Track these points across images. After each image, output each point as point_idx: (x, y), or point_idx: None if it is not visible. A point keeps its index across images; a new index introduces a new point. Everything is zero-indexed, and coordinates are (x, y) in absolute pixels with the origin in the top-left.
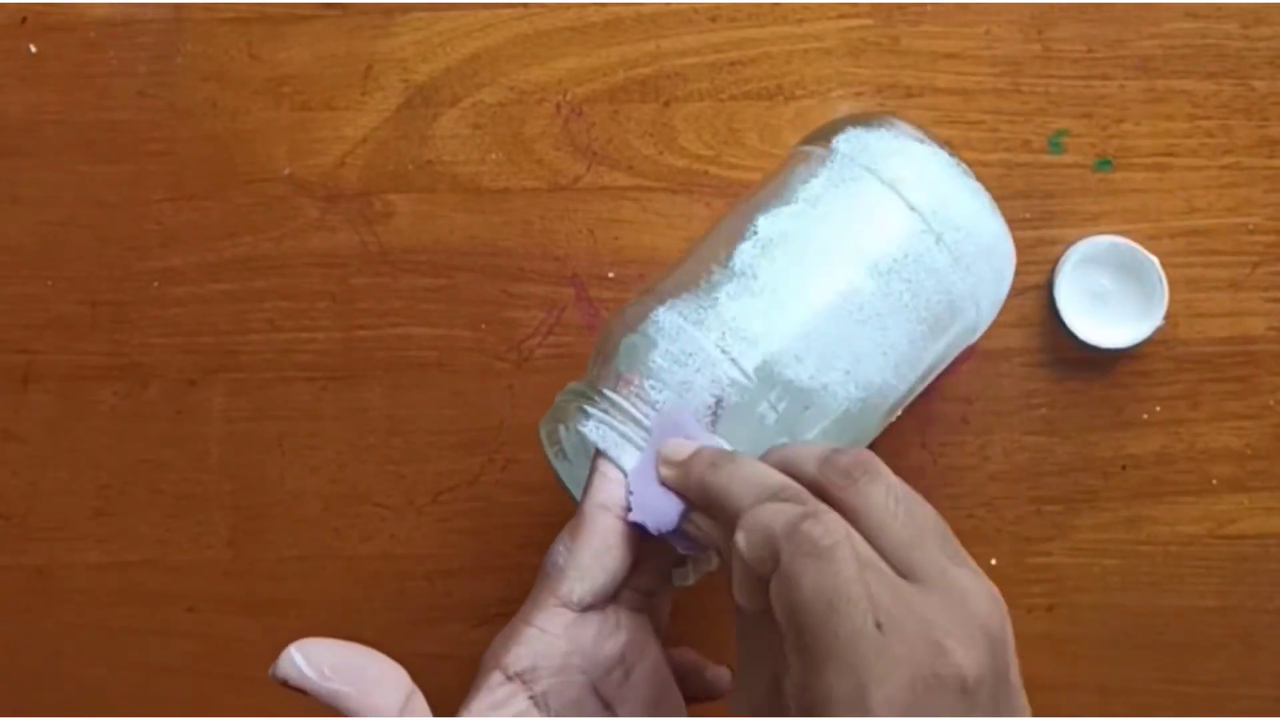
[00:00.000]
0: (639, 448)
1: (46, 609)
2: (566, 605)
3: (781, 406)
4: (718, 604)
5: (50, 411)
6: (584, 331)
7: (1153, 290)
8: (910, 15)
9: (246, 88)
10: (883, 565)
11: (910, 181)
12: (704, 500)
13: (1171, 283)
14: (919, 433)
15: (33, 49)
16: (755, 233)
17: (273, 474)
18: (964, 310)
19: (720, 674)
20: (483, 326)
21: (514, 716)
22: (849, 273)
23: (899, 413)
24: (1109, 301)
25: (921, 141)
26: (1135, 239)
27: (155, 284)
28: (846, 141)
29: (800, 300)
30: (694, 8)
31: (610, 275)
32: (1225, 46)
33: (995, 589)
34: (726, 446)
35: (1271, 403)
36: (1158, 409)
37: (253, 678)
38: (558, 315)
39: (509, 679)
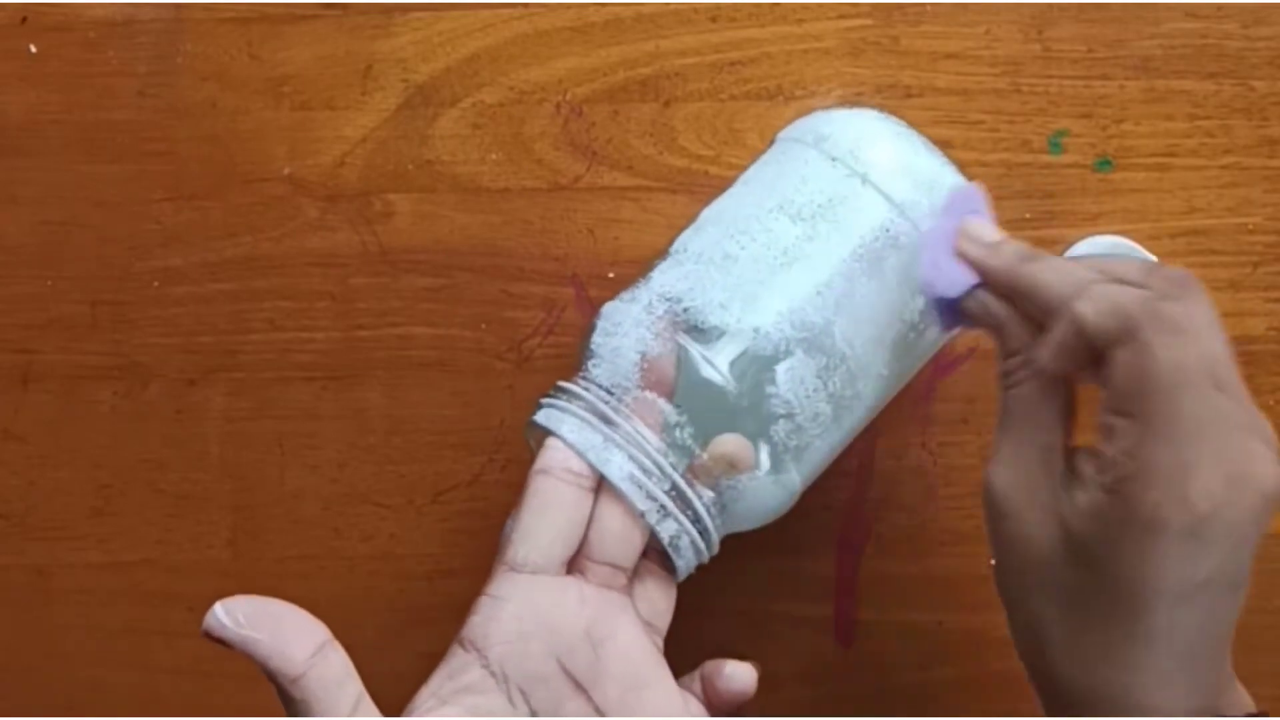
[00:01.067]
0: (579, 418)
1: (46, 609)
2: (514, 569)
3: (710, 353)
4: (715, 605)
5: (50, 411)
6: (584, 332)
7: None
8: (910, 15)
9: (246, 88)
10: (1233, 382)
11: (833, 137)
12: (1010, 286)
13: None
14: (919, 433)
15: (33, 49)
16: (693, 220)
17: (273, 474)
18: (905, 242)
19: (740, 669)
20: (483, 326)
21: (466, 685)
22: (771, 223)
23: (902, 371)
24: None
25: (853, 108)
26: (1135, 239)
27: (155, 284)
28: (787, 128)
29: (723, 257)
30: (694, 8)
31: (610, 275)
32: (1225, 46)
33: None
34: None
35: (1271, 403)
36: None
37: (253, 677)
38: (558, 315)
39: (465, 649)
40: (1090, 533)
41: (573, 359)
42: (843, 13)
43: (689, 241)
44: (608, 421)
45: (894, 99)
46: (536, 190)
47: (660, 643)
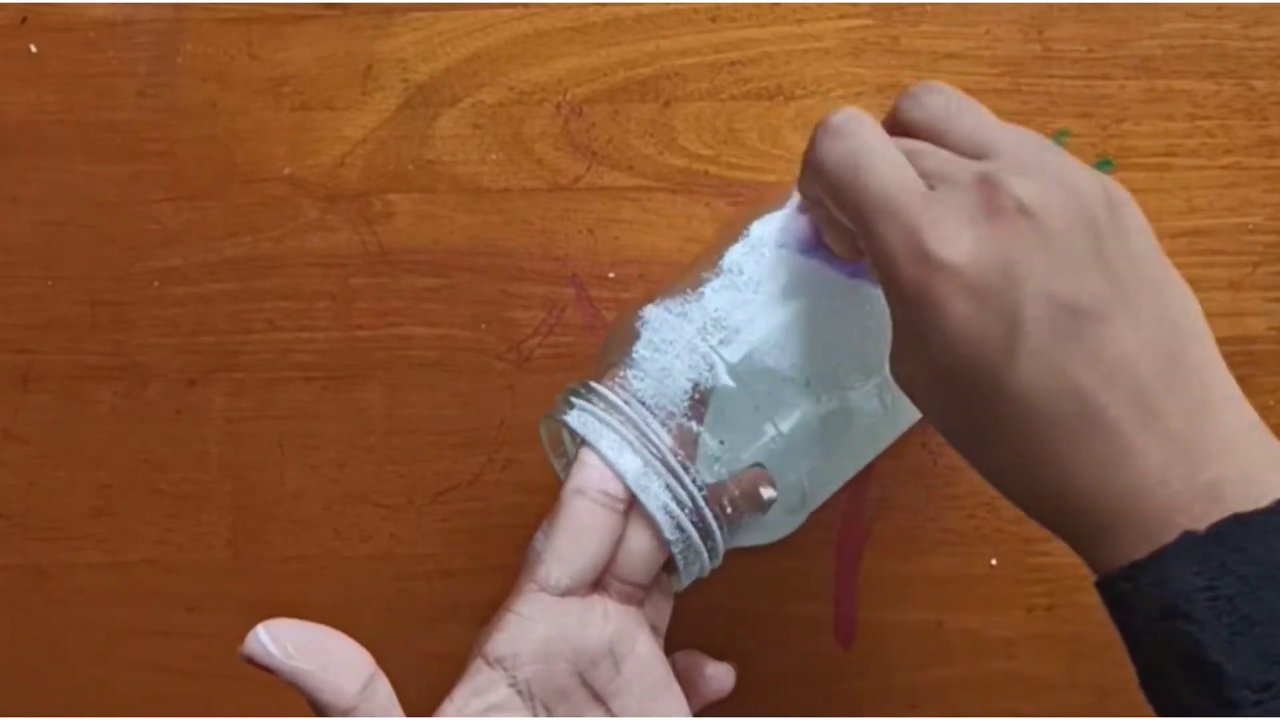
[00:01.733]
0: (619, 434)
1: (46, 609)
2: (545, 589)
3: (762, 395)
4: (715, 605)
5: (50, 411)
6: (584, 331)
7: None
8: (910, 15)
9: (246, 88)
10: (945, 153)
11: None
12: (821, 187)
13: None
14: (919, 432)
15: (33, 49)
16: (747, 235)
17: (273, 474)
18: None
19: (721, 670)
20: (482, 326)
21: (493, 704)
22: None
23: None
24: None
25: None
26: None
27: (155, 284)
28: None
29: (785, 293)
30: (694, 8)
31: (610, 275)
32: (1225, 46)
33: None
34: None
35: (1271, 403)
36: None
37: (253, 678)
38: (558, 315)
39: (490, 666)
40: (919, 354)
41: (573, 359)
42: (843, 12)
43: (744, 262)
44: (648, 444)
45: (894, 98)
46: (536, 190)
47: (662, 643)
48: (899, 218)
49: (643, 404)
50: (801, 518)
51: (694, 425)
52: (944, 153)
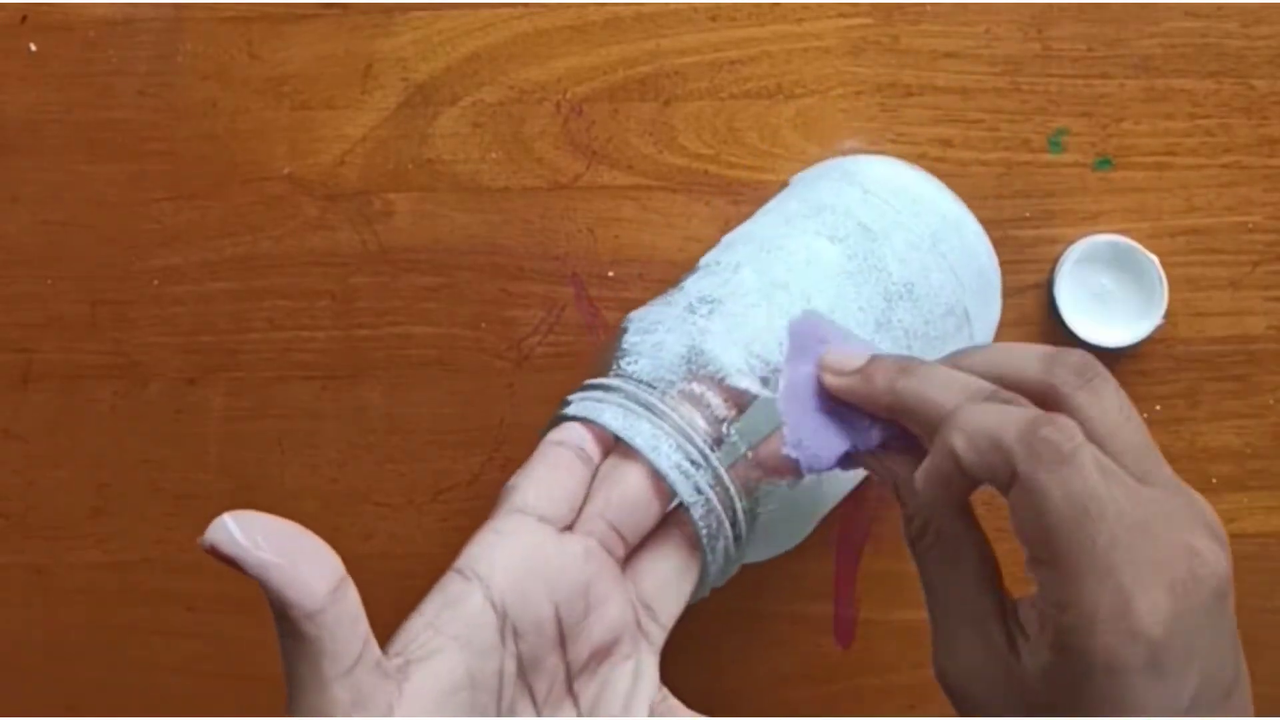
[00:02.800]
0: (622, 407)
1: (46, 608)
2: (522, 511)
3: (758, 364)
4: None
5: (50, 410)
6: (584, 330)
7: (1152, 289)
8: (910, 14)
9: (246, 87)
10: (1118, 469)
11: (862, 173)
12: (896, 410)
13: (1171, 282)
14: None
15: (33, 48)
16: (720, 242)
17: (272, 473)
18: (936, 276)
19: None
20: (482, 325)
21: (465, 616)
22: (809, 241)
23: None
24: (1109, 300)
25: (878, 156)
26: (1135, 238)
27: (155, 283)
28: (805, 170)
29: (764, 264)
30: (694, 7)
31: (610, 274)
32: (1225, 46)
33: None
34: (865, 343)
35: (1271, 402)
36: (1157, 408)
37: (253, 677)
38: (557, 314)
39: (465, 577)
40: (1053, 696)
41: (573, 358)
42: (842, 12)
43: (720, 257)
44: (653, 410)
45: (894, 98)
46: (536, 189)
47: (656, 631)
48: (1112, 580)
49: (639, 380)
50: (821, 507)
51: (694, 387)
52: (1127, 480)
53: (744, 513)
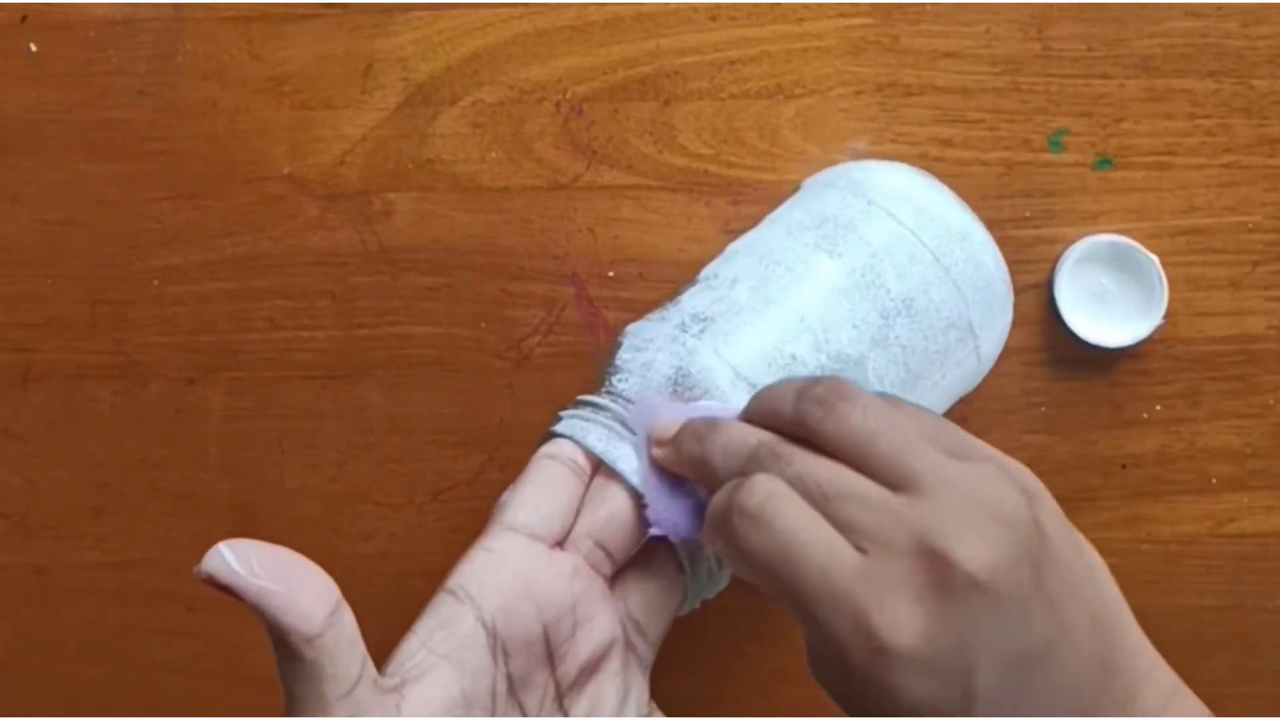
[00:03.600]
0: (606, 428)
1: (46, 608)
2: (513, 530)
3: (745, 377)
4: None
5: (50, 410)
6: (584, 330)
7: (1152, 289)
8: (910, 14)
9: (246, 86)
10: (866, 488)
11: (868, 183)
12: (698, 477)
13: (1171, 281)
14: None
15: (33, 48)
16: (721, 252)
17: (272, 473)
18: (936, 290)
19: None
20: (482, 325)
21: (458, 636)
22: (807, 255)
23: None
24: (1109, 300)
25: (882, 161)
26: (1135, 238)
27: (155, 283)
28: (815, 175)
29: (761, 280)
30: (694, 7)
31: (610, 274)
32: (1225, 45)
33: (1016, 464)
34: (710, 409)
35: (1271, 401)
36: (1157, 408)
37: (253, 677)
38: (557, 314)
39: (457, 599)
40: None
41: (572, 358)
42: (842, 11)
43: (719, 270)
44: (636, 432)
45: (894, 98)
46: (536, 189)
47: (645, 648)
48: (844, 605)
49: (628, 400)
50: None
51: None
52: (866, 492)
53: None
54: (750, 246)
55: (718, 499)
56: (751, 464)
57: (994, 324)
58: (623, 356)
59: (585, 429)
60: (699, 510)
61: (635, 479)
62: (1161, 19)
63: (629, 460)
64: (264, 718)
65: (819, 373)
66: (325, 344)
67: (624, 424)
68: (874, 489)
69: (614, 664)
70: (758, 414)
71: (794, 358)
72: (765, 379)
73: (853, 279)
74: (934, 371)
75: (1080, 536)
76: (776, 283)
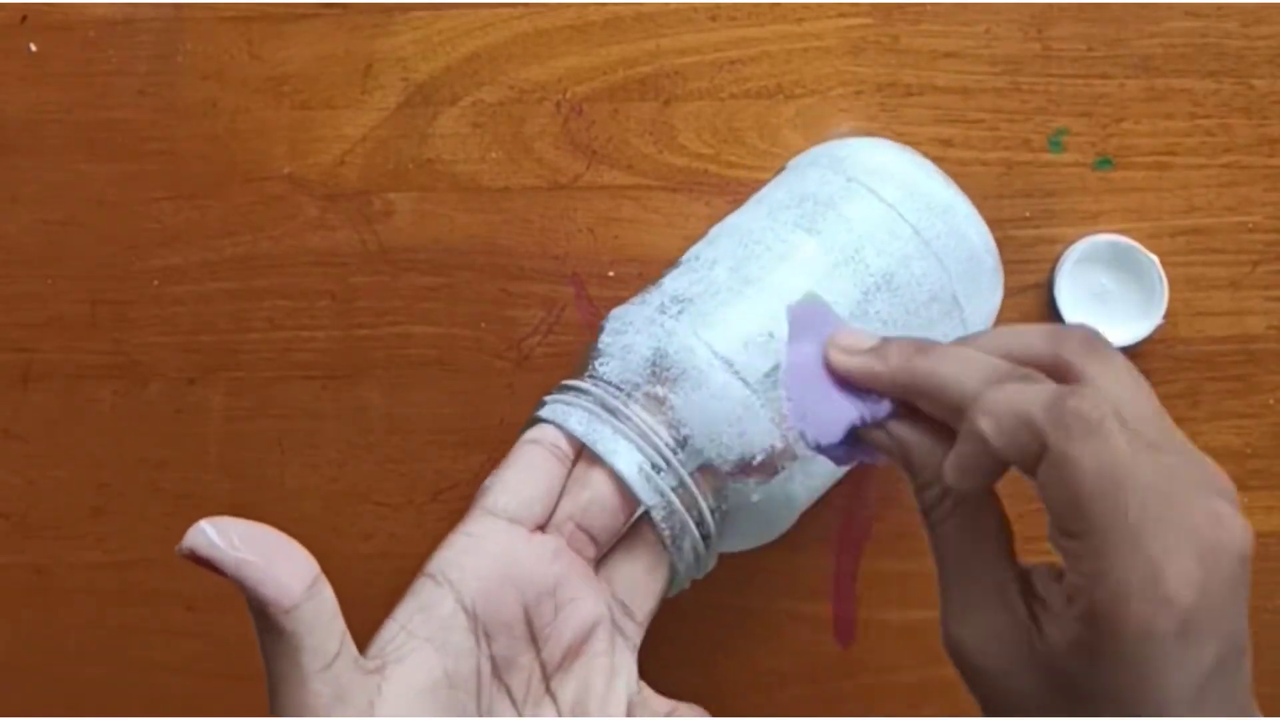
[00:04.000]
0: (586, 410)
1: (46, 608)
2: (493, 514)
3: (723, 358)
4: (716, 603)
5: (50, 410)
6: (584, 330)
7: (1152, 289)
8: (910, 14)
9: (246, 86)
10: (1139, 438)
11: (849, 159)
12: (912, 390)
13: (1171, 281)
14: None
15: (33, 48)
16: (707, 233)
17: (272, 473)
18: (917, 264)
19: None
20: (482, 325)
21: (439, 619)
22: (786, 234)
23: None
24: (1109, 300)
25: (866, 136)
26: (1135, 238)
27: (155, 283)
28: (800, 155)
29: (740, 260)
30: (694, 7)
31: (610, 274)
32: (1225, 45)
33: None
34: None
35: (1271, 401)
36: None
37: (253, 677)
38: (557, 314)
39: (436, 582)
40: (1079, 668)
41: (573, 357)
42: (842, 11)
43: (701, 251)
44: (616, 415)
45: (894, 98)
46: (536, 189)
47: (632, 628)
48: (1144, 551)
49: (608, 383)
50: (796, 500)
51: (659, 389)
52: (1149, 448)
53: (712, 512)
54: (732, 228)
55: (1028, 394)
56: (1009, 380)
57: (980, 296)
58: (604, 340)
59: (567, 413)
60: (850, 418)
61: (616, 461)
62: (1161, 19)
63: (610, 443)
64: (264, 718)
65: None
66: (325, 344)
67: (605, 407)
68: (1164, 438)
69: (600, 644)
70: (989, 347)
71: (771, 335)
72: (743, 358)
73: (831, 256)
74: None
75: None
76: (755, 262)
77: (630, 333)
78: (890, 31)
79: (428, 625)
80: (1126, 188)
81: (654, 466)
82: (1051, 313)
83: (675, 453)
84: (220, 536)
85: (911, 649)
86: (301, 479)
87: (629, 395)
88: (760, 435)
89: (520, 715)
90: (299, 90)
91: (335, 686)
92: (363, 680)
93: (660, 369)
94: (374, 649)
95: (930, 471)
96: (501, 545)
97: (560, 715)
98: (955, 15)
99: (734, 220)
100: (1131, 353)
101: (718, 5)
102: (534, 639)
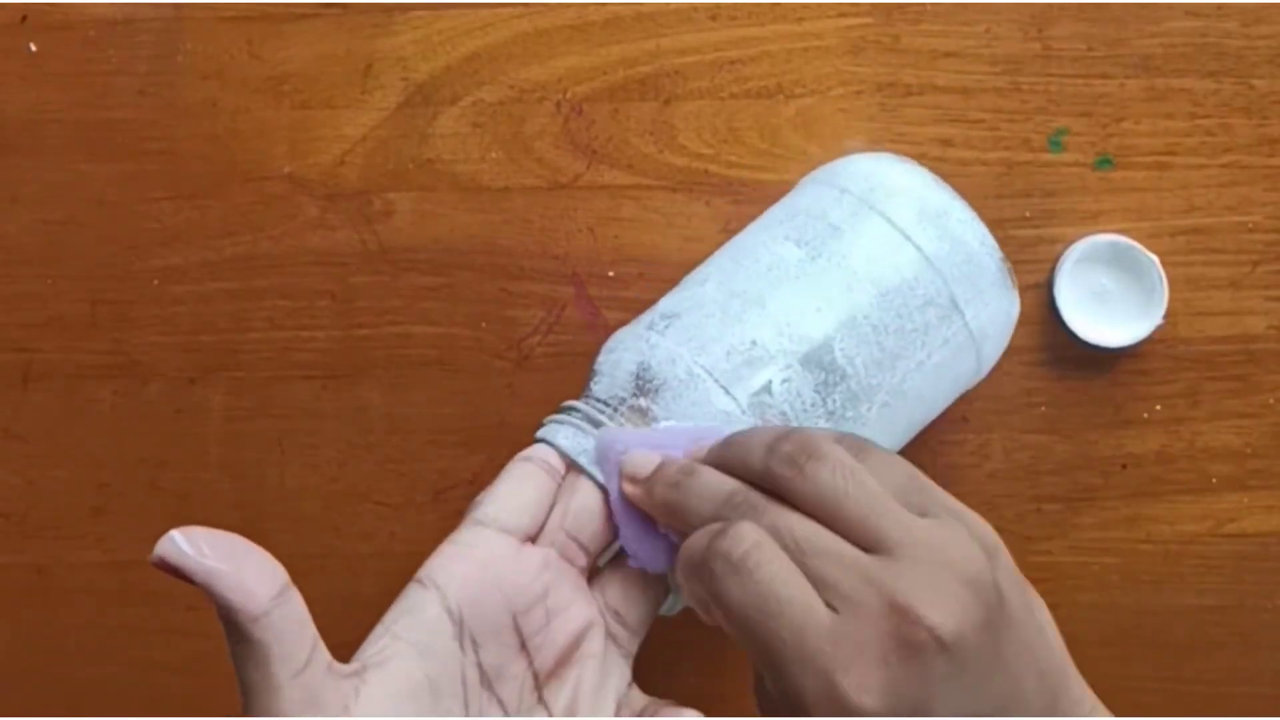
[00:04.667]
0: (575, 427)
1: (46, 608)
2: (483, 524)
3: (705, 369)
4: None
5: (50, 410)
6: (584, 330)
7: (1152, 289)
8: (910, 14)
9: (246, 86)
10: (840, 547)
11: (845, 172)
12: (670, 520)
13: (1171, 281)
14: (920, 432)
15: (33, 47)
16: (705, 241)
17: (272, 473)
18: (909, 268)
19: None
20: (482, 325)
21: (423, 623)
22: (776, 248)
23: (920, 399)
24: (1109, 300)
25: (872, 154)
26: (1135, 237)
27: (155, 282)
28: (808, 175)
29: (729, 275)
30: (694, 6)
31: (610, 274)
32: (1225, 45)
33: (977, 520)
34: (674, 430)
35: (1271, 401)
36: (1158, 408)
37: None
38: (557, 314)
39: (423, 587)
40: None
41: (573, 358)
42: (843, 11)
43: (698, 270)
44: (600, 429)
45: (894, 97)
46: (536, 189)
47: (625, 636)
48: (813, 664)
49: (598, 400)
50: None
51: (643, 402)
52: (840, 551)
53: None
54: (730, 246)
55: (695, 541)
56: (727, 510)
57: (983, 299)
58: (599, 360)
59: (555, 430)
60: (666, 547)
61: (594, 471)
62: (1161, 19)
63: (591, 455)
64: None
65: (780, 356)
66: (325, 344)
67: (591, 422)
68: (847, 548)
69: (593, 650)
70: (729, 463)
71: (754, 343)
72: (725, 367)
73: (818, 264)
74: (916, 350)
75: (1030, 589)
76: (743, 275)
77: (619, 350)
78: (890, 31)
79: (412, 629)
80: (1126, 188)
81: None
82: (1052, 313)
83: None
84: (189, 545)
85: None
86: (301, 479)
87: (615, 410)
88: None
89: None
90: (299, 90)
91: (307, 692)
92: (336, 685)
93: (644, 381)
94: (360, 653)
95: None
96: (490, 553)
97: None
98: (955, 15)
99: (734, 240)
100: (1131, 353)
101: (718, 5)
102: (525, 648)
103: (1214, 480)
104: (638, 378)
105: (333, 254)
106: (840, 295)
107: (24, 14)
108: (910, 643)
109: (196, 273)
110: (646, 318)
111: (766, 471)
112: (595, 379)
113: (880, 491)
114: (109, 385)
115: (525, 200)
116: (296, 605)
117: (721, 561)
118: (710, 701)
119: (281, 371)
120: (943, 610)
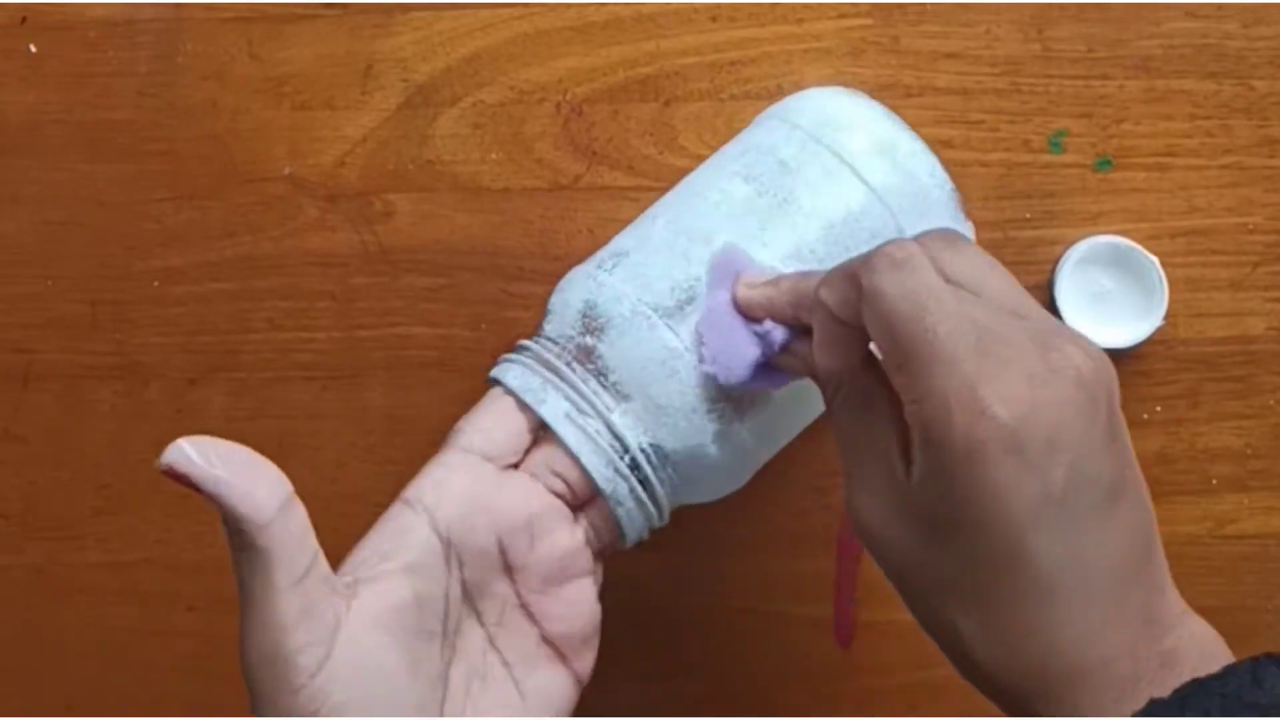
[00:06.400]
0: (525, 366)
1: (46, 608)
2: (467, 451)
3: (649, 303)
4: (716, 604)
5: (50, 411)
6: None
7: (1153, 290)
8: (910, 15)
9: (247, 87)
10: (990, 301)
11: (797, 108)
12: (804, 306)
13: (1171, 282)
14: None
15: (32, 48)
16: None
17: None
18: (859, 201)
19: None
20: (483, 326)
21: (413, 545)
22: (725, 184)
23: None
24: (1109, 301)
25: (826, 88)
26: (1135, 239)
27: (155, 283)
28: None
29: (678, 213)
30: (694, 8)
31: None
32: (1225, 46)
33: None
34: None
35: (1271, 402)
36: (1158, 409)
37: None
38: None
39: (411, 508)
40: (933, 499)
41: None
42: (843, 12)
43: (651, 208)
44: (547, 367)
45: (894, 99)
46: (536, 190)
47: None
48: (959, 368)
49: (548, 339)
50: (744, 444)
51: (589, 340)
52: (990, 301)
53: (644, 451)
54: (683, 184)
55: (845, 264)
56: (827, 276)
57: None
58: (551, 300)
59: (506, 369)
60: (752, 354)
61: (543, 410)
62: (1161, 19)
63: (539, 393)
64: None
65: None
66: (325, 345)
67: (540, 360)
68: (997, 304)
69: (580, 567)
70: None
71: (699, 279)
72: (669, 304)
73: (764, 199)
74: None
75: None
76: (691, 213)
77: (569, 290)
78: (890, 32)
79: (402, 550)
80: (1127, 189)
81: (580, 410)
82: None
83: (599, 396)
84: (199, 454)
85: (911, 651)
86: (301, 480)
87: (563, 348)
88: (695, 375)
89: (490, 637)
90: (299, 91)
91: (305, 600)
92: (331, 596)
93: (590, 320)
94: (347, 567)
95: (825, 373)
96: (475, 476)
97: (544, 634)
98: (955, 16)
99: (687, 177)
100: (1132, 353)
101: (718, 6)
102: (508, 568)
103: (1214, 481)
104: (584, 316)
105: (333, 255)
106: (786, 230)
107: (24, 15)
108: (1054, 368)
109: (197, 273)
110: (597, 256)
111: (919, 244)
112: (547, 318)
113: (1019, 288)
114: (109, 386)
115: (525, 201)
116: (300, 516)
117: (885, 258)
118: (705, 699)
119: (282, 372)
120: (1083, 356)
